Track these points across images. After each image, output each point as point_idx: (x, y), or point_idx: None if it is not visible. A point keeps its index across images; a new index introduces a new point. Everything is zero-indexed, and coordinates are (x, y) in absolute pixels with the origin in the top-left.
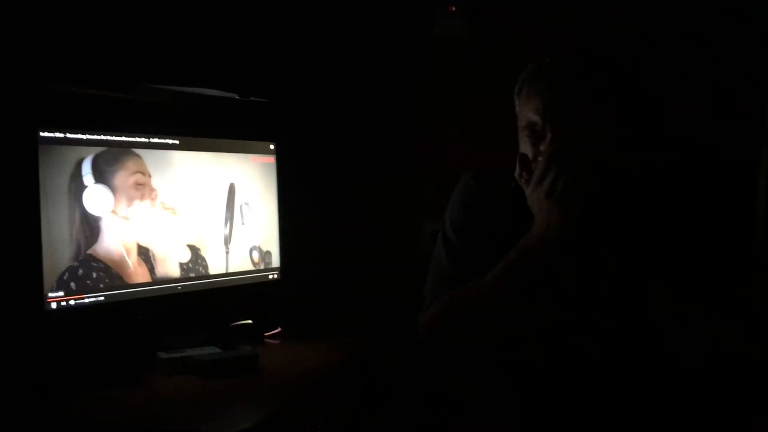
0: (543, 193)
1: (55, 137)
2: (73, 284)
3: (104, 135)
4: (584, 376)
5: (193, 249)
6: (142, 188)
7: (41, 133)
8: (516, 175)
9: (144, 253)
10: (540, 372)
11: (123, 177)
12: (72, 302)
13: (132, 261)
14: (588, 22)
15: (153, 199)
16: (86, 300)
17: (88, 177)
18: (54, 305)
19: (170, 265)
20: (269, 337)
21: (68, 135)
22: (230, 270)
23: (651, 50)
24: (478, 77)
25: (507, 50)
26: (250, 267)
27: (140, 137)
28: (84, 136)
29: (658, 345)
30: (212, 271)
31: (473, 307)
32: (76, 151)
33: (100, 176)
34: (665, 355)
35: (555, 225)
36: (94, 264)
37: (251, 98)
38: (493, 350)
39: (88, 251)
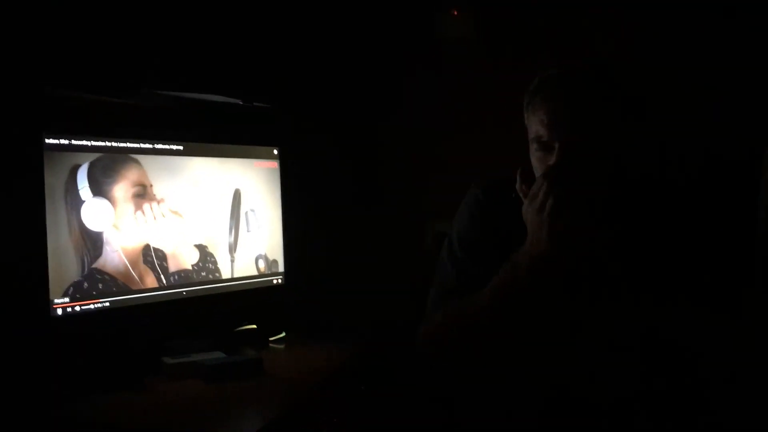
0: (535, 209)
1: (60, 144)
2: (78, 294)
3: (109, 141)
4: (590, 393)
5: (201, 248)
6: (144, 198)
7: (46, 140)
8: (516, 187)
9: (151, 261)
10: (543, 386)
11: (123, 189)
12: (78, 308)
13: (139, 270)
14: (592, 23)
15: (157, 205)
16: (92, 306)
17: (85, 190)
18: (60, 311)
19: (180, 268)
20: (273, 341)
21: (73, 141)
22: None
23: (653, 51)
24: (482, 80)
25: (512, 53)
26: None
27: (144, 143)
28: (89, 143)
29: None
30: (218, 275)
31: (470, 323)
32: (70, 158)
33: (98, 189)
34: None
35: (541, 242)
36: (98, 276)
37: (254, 104)
38: (491, 364)
39: (93, 265)
